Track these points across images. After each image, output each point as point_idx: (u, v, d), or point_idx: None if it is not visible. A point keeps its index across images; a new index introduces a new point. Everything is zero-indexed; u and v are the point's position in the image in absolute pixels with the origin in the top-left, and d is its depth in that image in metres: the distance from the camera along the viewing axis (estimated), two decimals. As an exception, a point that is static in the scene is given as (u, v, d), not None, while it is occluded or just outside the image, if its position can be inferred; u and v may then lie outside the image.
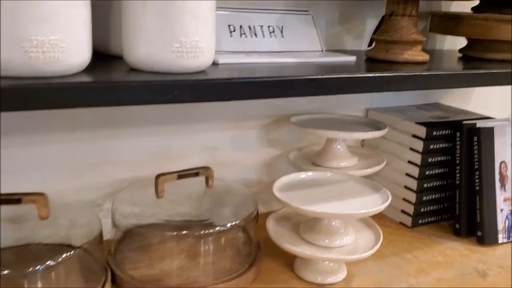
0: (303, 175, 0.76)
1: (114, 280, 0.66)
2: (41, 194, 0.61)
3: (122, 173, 0.79)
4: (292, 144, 0.92)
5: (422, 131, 0.86)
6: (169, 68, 0.54)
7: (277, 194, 0.68)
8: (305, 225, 0.72)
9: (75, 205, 0.70)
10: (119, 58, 0.61)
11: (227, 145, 0.87)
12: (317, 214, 0.65)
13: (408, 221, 0.90)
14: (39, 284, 0.58)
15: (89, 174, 0.77)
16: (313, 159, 0.85)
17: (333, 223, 0.69)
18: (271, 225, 0.72)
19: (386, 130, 0.82)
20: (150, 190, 0.71)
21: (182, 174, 0.70)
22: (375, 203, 0.68)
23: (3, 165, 0.70)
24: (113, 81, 0.49)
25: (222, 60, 0.63)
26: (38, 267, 0.57)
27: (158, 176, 0.69)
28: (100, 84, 0.47)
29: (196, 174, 0.72)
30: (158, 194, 0.69)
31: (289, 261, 0.74)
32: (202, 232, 0.68)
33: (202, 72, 0.56)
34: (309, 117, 0.88)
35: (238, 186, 0.79)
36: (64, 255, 0.59)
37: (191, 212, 0.72)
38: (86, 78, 0.49)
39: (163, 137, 0.81)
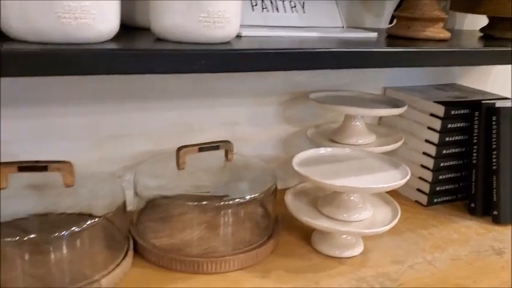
0: (321, 151, 0.77)
1: (136, 249, 0.67)
2: (67, 162, 0.62)
3: (143, 146, 0.80)
4: (309, 121, 0.92)
5: (440, 110, 0.86)
6: (195, 38, 0.54)
7: (297, 168, 0.69)
8: (323, 199, 0.73)
9: (99, 176, 0.71)
10: (144, 30, 0.62)
11: (246, 120, 0.87)
12: (337, 188, 0.66)
13: (424, 199, 0.91)
14: (64, 249, 0.59)
15: (111, 146, 0.78)
16: (331, 136, 0.85)
17: (352, 197, 0.70)
18: (289, 199, 0.73)
19: (405, 108, 0.82)
20: (170, 163, 0.72)
21: (203, 147, 0.71)
22: (394, 178, 0.69)
23: (27, 135, 0.71)
24: (143, 49, 0.49)
25: (245, 32, 0.63)
26: (64, 232, 0.58)
27: (180, 149, 0.70)
28: (131, 51, 0.48)
29: (217, 148, 0.73)
30: (179, 165, 0.70)
31: (307, 235, 0.75)
32: (222, 204, 0.69)
33: (228, 43, 0.57)
34: (327, 94, 0.88)
35: (256, 161, 0.80)
36: (89, 222, 0.60)
37: (211, 185, 0.73)
38: (115, 46, 0.50)
39: (184, 111, 0.82)
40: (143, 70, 0.49)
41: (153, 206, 0.73)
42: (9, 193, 0.62)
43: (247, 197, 0.69)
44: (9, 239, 0.57)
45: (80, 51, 0.45)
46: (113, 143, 0.78)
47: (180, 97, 0.81)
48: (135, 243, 0.68)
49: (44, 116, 0.72)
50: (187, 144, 0.71)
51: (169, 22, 0.53)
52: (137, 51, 0.48)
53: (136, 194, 0.72)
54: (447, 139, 0.88)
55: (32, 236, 0.57)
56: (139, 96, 0.78)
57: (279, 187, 0.74)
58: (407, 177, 0.68)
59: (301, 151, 0.77)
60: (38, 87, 0.70)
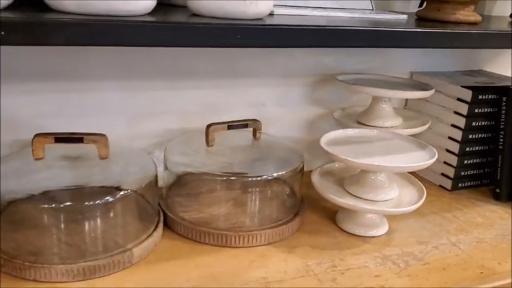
0: (349, 131, 0.77)
1: (165, 222, 0.69)
2: (102, 135, 0.63)
3: (172, 124, 0.82)
4: (336, 103, 0.93)
5: (468, 95, 0.86)
6: (230, 14, 0.55)
7: (325, 147, 0.69)
8: (350, 179, 0.73)
9: (131, 151, 0.73)
10: (178, 7, 0.63)
11: (273, 101, 0.88)
12: (365, 166, 0.66)
13: (448, 184, 0.91)
14: (98, 218, 0.61)
15: (142, 122, 0.80)
16: (358, 118, 0.86)
17: (378, 177, 0.71)
18: (316, 178, 0.74)
19: (433, 91, 0.82)
20: (199, 140, 0.74)
21: (232, 125, 0.72)
22: (422, 159, 0.69)
23: (64, 109, 0.73)
24: (181, 22, 0.50)
25: (277, 11, 0.64)
26: (98, 201, 0.60)
27: (209, 126, 0.72)
28: (169, 24, 0.49)
29: (246, 126, 0.74)
30: (208, 142, 0.72)
31: (332, 215, 0.76)
32: (249, 181, 0.70)
33: (260, 19, 0.57)
34: (355, 76, 0.89)
35: (284, 141, 0.81)
36: (122, 193, 0.62)
37: (239, 163, 0.74)
38: (153, 19, 0.51)
39: (212, 90, 0.83)
40: (180, 43, 0.50)
41: (182, 182, 0.75)
42: (44, 164, 0.64)
43: (275, 175, 0.70)
44: (46, 205, 0.59)
45: (121, 22, 0.47)
46: (144, 120, 0.80)
47: (209, 77, 0.83)
48: (165, 216, 0.69)
49: (81, 91, 0.74)
50: (214, 122, 0.73)
51: (204, -2, 0.54)
52: (175, 24, 0.50)
53: (166, 169, 0.73)
54: (473, 124, 0.88)
55: (68, 203, 0.59)
56: (170, 75, 0.79)
57: (304, 169, 0.75)
58: (435, 158, 0.68)
59: (326, 133, 0.78)
60: (77, 63, 0.72)
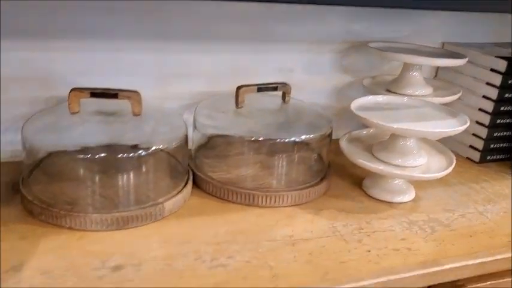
0: (379, 98, 0.77)
1: (194, 181, 0.70)
2: (136, 92, 0.64)
3: (200, 86, 0.83)
4: (365, 72, 0.92)
5: (502, 65, 0.84)
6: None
7: (356, 111, 0.69)
8: (378, 145, 0.73)
9: (163, 110, 0.74)
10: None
11: (301, 68, 0.88)
12: (395, 130, 0.66)
13: (476, 156, 0.90)
14: (131, 172, 0.63)
15: (171, 84, 0.81)
16: (388, 87, 0.85)
17: (408, 143, 0.71)
18: (344, 144, 0.74)
19: (465, 60, 0.81)
20: (228, 103, 0.74)
21: (261, 87, 0.73)
22: (453, 126, 0.69)
23: (94, 68, 0.75)
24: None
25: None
26: (132, 154, 0.61)
27: (239, 88, 0.72)
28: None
29: (275, 89, 0.74)
30: (238, 104, 0.72)
31: (359, 181, 0.76)
32: (277, 143, 0.70)
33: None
34: (386, 44, 0.87)
35: (313, 106, 0.81)
36: (154, 148, 0.63)
37: (267, 126, 0.74)
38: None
39: (242, 54, 0.83)
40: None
41: (211, 143, 0.76)
42: (79, 119, 0.65)
43: (303, 138, 0.71)
44: (81, 156, 0.61)
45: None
46: (174, 81, 0.81)
47: (239, 40, 0.83)
48: (194, 175, 0.71)
49: (113, 50, 0.75)
50: (244, 84, 0.73)
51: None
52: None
53: (195, 130, 0.74)
54: (506, 95, 0.86)
55: (103, 154, 0.61)
56: (201, 37, 0.80)
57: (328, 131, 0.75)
58: (467, 124, 0.68)
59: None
60: (110, 22, 0.73)
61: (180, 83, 0.81)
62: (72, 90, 0.63)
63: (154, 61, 0.78)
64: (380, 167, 0.68)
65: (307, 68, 0.89)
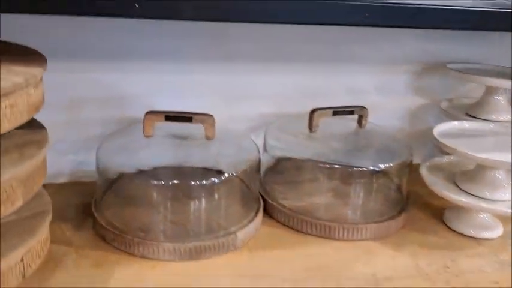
0: (463, 124, 0.72)
1: (264, 208, 0.67)
2: (210, 115, 0.63)
3: (269, 108, 0.80)
4: (441, 94, 0.87)
5: None
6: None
7: (440, 139, 0.65)
8: (463, 175, 0.68)
9: (233, 132, 0.72)
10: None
11: (373, 89, 0.84)
12: (485, 161, 0.61)
13: None
14: (203, 199, 0.61)
15: (240, 105, 0.79)
16: (468, 111, 0.80)
17: (496, 174, 0.65)
18: (425, 172, 0.69)
19: (559, 84, 0.74)
20: (300, 125, 0.71)
21: (337, 111, 0.69)
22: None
23: (166, 89, 0.74)
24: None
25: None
26: (204, 182, 0.59)
27: (314, 111, 0.69)
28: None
29: (351, 113, 0.71)
30: (312, 128, 0.69)
31: (438, 212, 0.71)
32: (354, 172, 0.67)
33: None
34: (465, 65, 0.82)
35: (390, 131, 0.77)
36: (227, 175, 0.60)
37: (342, 151, 0.71)
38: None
39: (312, 75, 0.80)
40: (304, 19, 0.48)
41: (281, 167, 0.73)
42: (152, 141, 0.64)
43: (382, 166, 0.66)
44: (155, 182, 0.59)
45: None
46: (242, 102, 0.79)
47: (309, 60, 0.80)
48: (264, 201, 0.68)
49: (181, 72, 0.74)
50: (319, 107, 0.70)
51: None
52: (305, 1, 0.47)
53: (265, 152, 0.72)
54: None
55: (176, 181, 0.59)
56: (269, 58, 0.77)
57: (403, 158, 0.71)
58: None
59: (429, 125, 0.73)
60: (179, 44, 0.72)
61: (248, 105, 0.79)
62: (147, 113, 0.62)
63: (223, 82, 0.77)
64: (467, 201, 0.63)
65: (380, 90, 0.84)
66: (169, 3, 0.42)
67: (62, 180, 0.73)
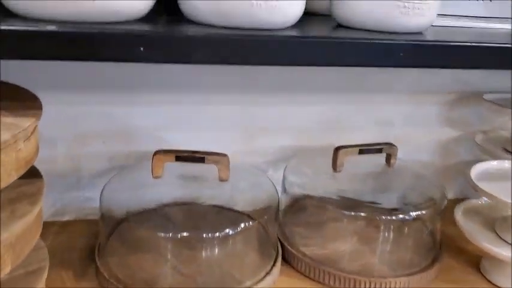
0: (505, 164, 0.65)
1: (283, 254, 0.62)
2: (224, 155, 0.57)
3: (289, 140, 0.74)
4: (475, 126, 0.80)
5: None
6: (387, 26, 0.46)
7: (478, 183, 0.58)
8: (503, 222, 0.61)
9: (250, 170, 0.67)
10: (314, 15, 0.55)
11: (402, 120, 0.78)
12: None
13: None
14: (216, 250, 0.55)
15: (256, 138, 0.73)
16: (505, 145, 0.73)
17: (544, 225, 0.58)
18: (460, 218, 0.63)
19: None
20: (322, 160, 0.66)
21: (364, 149, 0.63)
22: None
23: (178, 122, 0.69)
24: (335, 38, 0.42)
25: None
26: (217, 233, 0.54)
27: (338, 148, 0.63)
28: (323, 39, 0.41)
29: (379, 151, 0.65)
30: (336, 167, 0.63)
31: (474, 260, 0.65)
32: (382, 216, 0.61)
33: (420, 33, 0.48)
34: (502, 96, 0.76)
35: (421, 170, 0.71)
36: (243, 225, 0.55)
37: (368, 191, 0.65)
38: (302, 33, 0.44)
39: (334, 106, 0.75)
40: (333, 61, 0.42)
41: (302, 207, 0.67)
42: (161, 180, 0.59)
43: (413, 214, 0.60)
44: (163, 234, 0.54)
45: (268, 38, 0.39)
46: (259, 135, 0.73)
47: (331, 91, 0.74)
48: (283, 248, 0.62)
49: (196, 103, 0.69)
50: (344, 145, 0.64)
51: (356, 7, 0.46)
52: (329, 40, 0.42)
53: (284, 191, 0.66)
54: None
55: (185, 234, 0.54)
56: (290, 89, 0.72)
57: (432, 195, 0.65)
58: None
59: (461, 160, 0.66)
60: (194, 75, 0.67)
61: (266, 137, 0.74)
62: (155, 153, 0.57)
63: (240, 114, 0.71)
64: (509, 255, 0.57)
65: (408, 121, 0.78)
66: (178, 47, 0.37)
67: (67, 217, 0.69)
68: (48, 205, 0.67)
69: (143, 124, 0.68)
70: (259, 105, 0.72)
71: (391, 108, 0.77)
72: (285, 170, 0.67)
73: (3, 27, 0.33)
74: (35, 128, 0.38)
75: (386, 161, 0.67)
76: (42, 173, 0.44)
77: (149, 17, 0.42)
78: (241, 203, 0.63)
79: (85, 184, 0.68)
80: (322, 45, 0.41)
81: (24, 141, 0.36)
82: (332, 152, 0.65)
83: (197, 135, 0.69)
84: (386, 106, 0.77)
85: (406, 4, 0.45)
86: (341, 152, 0.63)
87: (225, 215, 0.64)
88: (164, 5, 0.47)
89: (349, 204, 0.63)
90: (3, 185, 0.34)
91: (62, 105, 0.63)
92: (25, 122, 0.36)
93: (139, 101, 0.66)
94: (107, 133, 0.67)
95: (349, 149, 0.63)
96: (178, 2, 0.42)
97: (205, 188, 0.65)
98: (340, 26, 0.49)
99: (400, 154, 0.75)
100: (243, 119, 0.72)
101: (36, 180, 0.44)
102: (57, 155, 0.66)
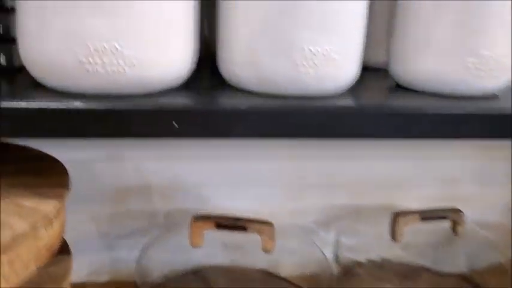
0: None
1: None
2: (269, 224, 0.52)
3: (341, 199, 0.69)
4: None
5: None
6: (456, 89, 0.40)
7: None
8: None
9: (295, 232, 0.61)
10: (372, 70, 0.50)
11: (468, 177, 0.70)
12: None
13: None
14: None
15: (304, 196, 0.68)
16: None
17: None
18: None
19: None
20: (378, 220, 0.60)
21: (426, 216, 0.56)
22: None
23: (214, 179, 0.65)
24: (398, 109, 0.36)
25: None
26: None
27: (397, 215, 0.57)
28: (380, 110, 0.36)
29: (443, 218, 0.57)
30: (396, 237, 0.56)
31: None
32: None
33: (495, 96, 0.42)
34: None
35: (493, 238, 0.62)
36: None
37: (431, 259, 0.58)
38: (353, 101, 0.39)
39: (392, 160, 0.68)
40: (392, 134, 0.37)
41: (353, 275, 0.60)
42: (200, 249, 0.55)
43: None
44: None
45: (317, 110, 0.35)
46: (308, 193, 0.68)
47: (388, 144, 0.68)
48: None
49: (241, 158, 0.65)
50: (403, 210, 0.58)
51: (419, 65, 0.40)
52: (404, 113, 0.36)
53: (335, 257, 0.60)
54: None
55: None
56: (342, 143, 0.67)
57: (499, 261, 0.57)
58: None
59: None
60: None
61: (317, 195, 0.68)
62: (194, 220, 0.53)
63: (289, 169, 0.67)
64: None
65: (475, 178, 0.70)
66: (215, 122, 0.33)
67: (103, 278, 0.66)
68: (84, 265, 0.64)
69: (182, 180, 0.64)
70: (307, 160, 0.66)
71: (455, 162, 0.70)
72: (336, 230, 0.61)
73: (24, 105, 0.30)
74: (58, 210, 0.35)
75: (452, 229, 0.59)
76: (78, 233, 0.41)
77: (189, 84, 0.38)
78: (288, 268, 0.58)
79: (123, 244, 0.65)
80: (379, 118, 0.35)
81: (45, 228, 0.33)
82: (389, 213, 0.58)
83: (240, 193, 0.65)
84: (449, 162, 0.69)
85: (477, 65, 0.39)
86: (401, 219, 0.56)
87: (270, 282, 0.58)
88: (206, 66, 0.43)
89: (409, 273, 0.56)
90: (19, 279, 0.31)
91: (101, 162, 0.61)
92: (47, 206, 0.33)
93: (178, 155, 0.63)
94: (145, 190, 0.64)
95: (410, 216, 0.56)
96: (218, 67, 0.39)
97: (247, 252, 0.60)
98: (398, 86, 0.44)
99: (467, 213, 0.68)
100: (290, 175, 0.67)
101: (64, 259, 0.40)
102: (94, 213, 0.64)
